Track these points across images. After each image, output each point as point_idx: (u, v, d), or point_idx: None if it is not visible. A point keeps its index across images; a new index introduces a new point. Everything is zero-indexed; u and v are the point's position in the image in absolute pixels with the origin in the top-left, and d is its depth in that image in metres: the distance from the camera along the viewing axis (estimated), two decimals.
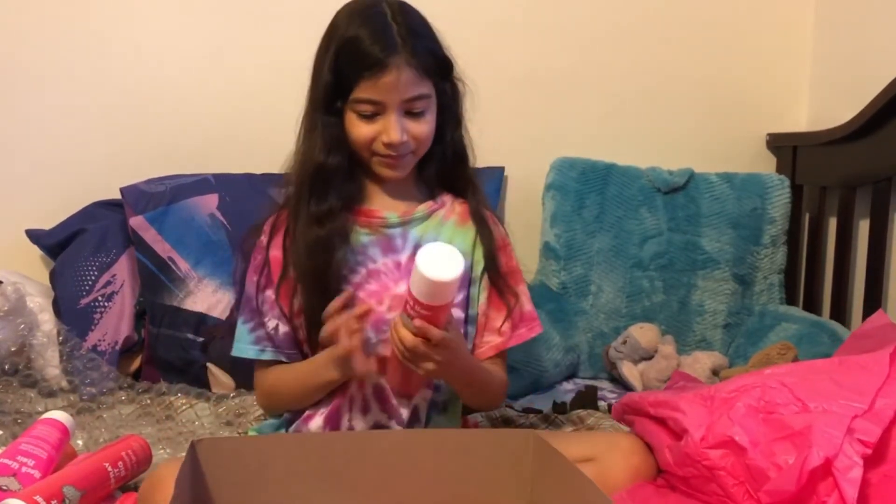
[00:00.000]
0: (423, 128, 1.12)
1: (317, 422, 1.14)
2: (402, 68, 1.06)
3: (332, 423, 1.13)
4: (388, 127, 1.09)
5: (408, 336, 1.01)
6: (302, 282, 1.12)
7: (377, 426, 1.13)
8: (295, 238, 1.13)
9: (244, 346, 1.16)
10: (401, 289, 1.12)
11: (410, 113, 1.10)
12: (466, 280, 1.17)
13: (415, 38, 1.08)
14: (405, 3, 1.12)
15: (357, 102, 1.09)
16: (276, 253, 1.16)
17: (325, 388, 1.12)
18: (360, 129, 1.10)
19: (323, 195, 1.12)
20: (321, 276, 1.10)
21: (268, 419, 1.24)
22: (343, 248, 1.12)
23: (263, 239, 1.17)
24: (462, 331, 1.15)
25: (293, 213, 1.14)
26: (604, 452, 1.10)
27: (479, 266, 1.18)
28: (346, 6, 1.12)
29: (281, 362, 1.16)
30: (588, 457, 1.08)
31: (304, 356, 1.16)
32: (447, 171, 1.19)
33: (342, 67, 1.08)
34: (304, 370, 1.13)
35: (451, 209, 1.20)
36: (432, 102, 1.12)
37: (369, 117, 1.09)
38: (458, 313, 1.16)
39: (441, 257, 0.98)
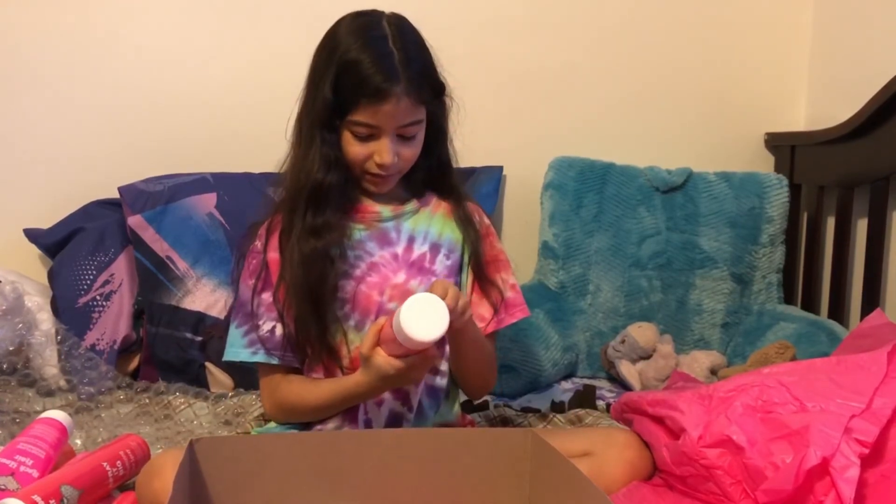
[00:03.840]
0: (413, 150, 1.16)
1: (334, 419, 1.15)
2: (401, 97, 1.09)
3: (350, 416, 1.15)
4: (381, 150, 1.12)
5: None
6: (295, 292, 1.13)
7: (393, 415, 1.15)
8: (289, 249, 1.15)
9: (237, 349, 1.17)
10: (399, 279, 1.17)
11: (403, 137, 1.14)
12: (457, 268, 1.22)
13: (413, 65, 1.10)
14: (403, 21, 1.14)
15: (354, 124, 1.11)
16: (273, 255, 1.17)
17: (357, 401, 1.13)
18: (354, 149, 1.13)
19: (321, 210, 1.14)
20: (315, 288, 1.12)
21: (270, 423, 1.24)
22: (339, 260, 1.14)
23: (258, 243, 1.18)
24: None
25: (286, 224, 1.16)
26: (600, 447, 1.12)
27: (468, 253, 1.23)
28: (347, 22, 1.13)
29: (272, 365, 1.16)
30: (584, 451, 1.10)
31: (302, 359, 1.17)
32: (432, 178, 1.24)
33: (343, 88, 1.10)
34: (335, 390, 1.12)
35: (437, 204, 1.25)
36: (423, 125, 1.16)
37: (364, 138, 1.12)
38: None
39: (426, 312, 0.96)
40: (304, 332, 1.13)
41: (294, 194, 1.15)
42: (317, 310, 1.12)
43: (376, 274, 1.17)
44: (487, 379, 1.25)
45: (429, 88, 1.13)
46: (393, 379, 1.05)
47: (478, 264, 1.22)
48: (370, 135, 1.12)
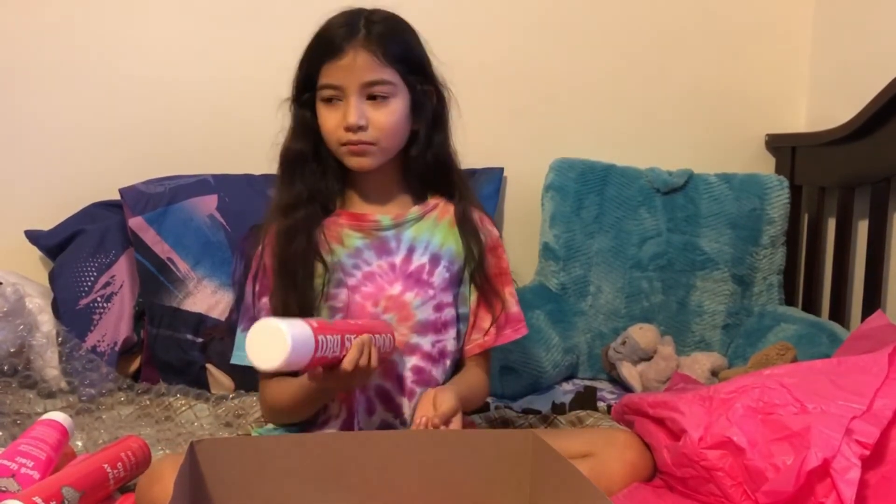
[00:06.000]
0: (385, 117, 1.11)
1: (331, 425, 1.16)
2: (359, 51, 1.09)
3: (346, 426, 1.15)
4: (346, 110, 1.10)
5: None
6: (273, 274, 1.13)
7: (384, 425, 1.15)
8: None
9: (241, 353, 1.17)
10: (395, 290, 1.15)
11: (372, 99, 1.11)
12: (457, 279, 1.20)
13: (380, 27, 1.10)
14: (389, 11, 1.14)
15: (321, 89, 1.12)
16: (269, 260, 1.17)
17: (317, 402, 1.12)
18: (325, 118, 1.12)
19: (290, 182, 1.14)
20: (283, 265, 1.12)
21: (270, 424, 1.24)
22: (302, 239, 1.12)
23: (260, 247, 1.18)
24: (454, 330, 1.18)
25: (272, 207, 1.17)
26: (600, 448, 1.12)
27: (471, 265, 1.20)
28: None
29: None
30: (585, 453, 1.10)
31: None
32: (431, 176, 1.20)
33: (310, 59, 1.12)
34: (296, 389, 1.11)
35: (444, 210, 1.22)
36: (397, 91, 1.12)
37: (330, 102, 1.12)
38: (450, 312, 1.18)
39: (265, 341, 0.92)
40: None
41: (277, 175, 1.16)
42: (293, 292, 1.11)
43: (371, 284, 1.15)
44: (479, 405, 1.27)
45: (398, 50, 1.11)
46: (324, 387, 1.03)
47: (481, 271, 1.19)
48: (335, 97, 1.11)
